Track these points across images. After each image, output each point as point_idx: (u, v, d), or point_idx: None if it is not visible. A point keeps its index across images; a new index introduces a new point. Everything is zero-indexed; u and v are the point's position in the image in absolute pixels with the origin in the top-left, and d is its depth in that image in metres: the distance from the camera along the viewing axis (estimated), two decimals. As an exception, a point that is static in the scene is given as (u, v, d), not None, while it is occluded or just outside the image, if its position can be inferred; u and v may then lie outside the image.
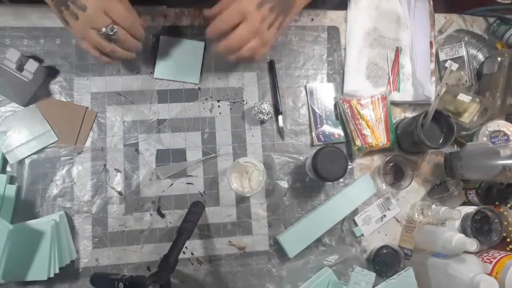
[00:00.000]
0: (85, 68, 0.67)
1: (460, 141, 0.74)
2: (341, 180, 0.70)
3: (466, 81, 0.75)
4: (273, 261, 0.68)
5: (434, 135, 0.68)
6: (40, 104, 0.65)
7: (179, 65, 0.69)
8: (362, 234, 0.70)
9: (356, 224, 0.70)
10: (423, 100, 0.74)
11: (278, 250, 0.68)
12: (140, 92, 0.68)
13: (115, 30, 0.54)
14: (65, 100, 0.66)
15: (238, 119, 0.70)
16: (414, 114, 0.75)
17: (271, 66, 0.72)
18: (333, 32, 0.76)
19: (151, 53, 0.69)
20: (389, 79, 0.75)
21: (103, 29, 0.53)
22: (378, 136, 0.70)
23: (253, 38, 0.56)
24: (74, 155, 0.65)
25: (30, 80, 0.61)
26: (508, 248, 0.66)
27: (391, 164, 0.72)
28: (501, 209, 0.68)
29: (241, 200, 0.68)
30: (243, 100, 0.71)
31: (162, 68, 0.69)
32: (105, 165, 0.66)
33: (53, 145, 0.65)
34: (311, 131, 0.72)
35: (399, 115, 0.76)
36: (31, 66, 0.61)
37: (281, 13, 0.56)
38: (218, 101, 0.70)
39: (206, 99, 0.70)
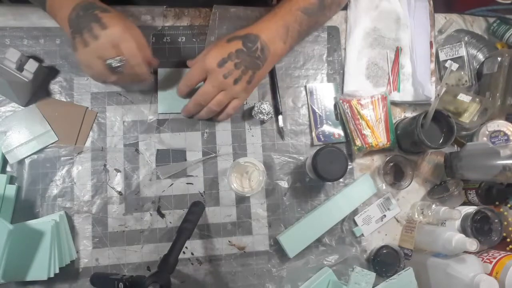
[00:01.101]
0: (85, 68, 0.67)
1: (460, 141, 0.74)
2: (341, 180, 0.70)
3: (466, 81, 0.75)
4: (273, 261, 0.68)
5: (434, 135, 0.68)
6: (40, 104, 0.65)
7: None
8: (362, 234, 0.70)
9: (356, 224, 0.70)
10: (423, 100, 0.74)
11: (278, 250, 0.68)
12: (140, 92, 0.68)
13: (119, 64, 0.55)
14: (65, 100, 0.66)
15: (238, 119, 0.70)
16: (414, 114, 0.75)
17: (271, 66, 0.72)
18: (333, 32, 0.76)
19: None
20: (389, 79, 0.75)
21: (108, 61, 0.55)
22: (378, 136, 0.70)
23: (218, 93, 0.60)
24: (74, 155, 0.65)
25: (30, 80, 0.61)
26: (508, 248, 0.66)
27: (391, 164, 0.72)
28: (501, 209, 0.68)
29: (241, 200, 0.68)
30: (243, 100, 0.71)
31: (166, 102, 0.67)
32: (105, 165, 0.66)
33: (53, 145, 0.65)
34: (311, 131, 0.72)
35: (399, 115, 0.76)
36: (31, 66, 0.61)
37: (248, 69, 0.60)
38: (218, 101, 0.70)
39: (206, 99, 0.70)
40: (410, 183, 0.70)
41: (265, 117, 0.67)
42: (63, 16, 0.56)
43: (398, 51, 0.76)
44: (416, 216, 0.71)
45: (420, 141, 0.64)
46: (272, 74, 0.72)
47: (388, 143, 0.71)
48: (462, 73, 0.75)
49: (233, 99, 0.63)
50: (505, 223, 0.66)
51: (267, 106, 0.67)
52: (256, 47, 0.60)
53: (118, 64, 0.55)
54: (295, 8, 0.63)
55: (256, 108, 0.67)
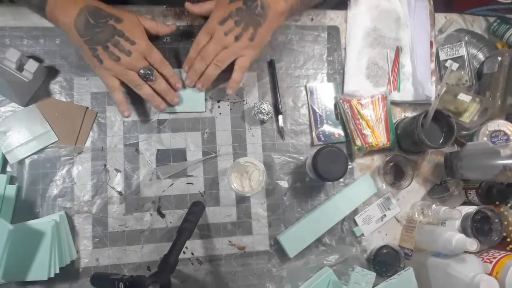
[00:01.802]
0: (85, 68, 0.67)
1: (460, 140, 0.74)
2: (341, 180, 0.70)
3: (466, 80, 0.75)
4: (273, 261, 0.68)
5: (434, 135, 0.68)
6: (40, 104, 0.65)
7: (183, 95, 0.68)
8: (362, 234, 0.70)
9: (356, 224, 0.70)
10: (423, 100, 0.74)
11: (278, 250, 0.68)
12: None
13: (153, 70, 0.61)
14: (65, 100, 0.66)
15: (238, 119, 0.70)
16: (414, 114, 0.75)
17: (271, 65, 0.72)
18: (333, 32, 0.75)
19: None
20: (389, 78, 0.75)
21: (142, 71, 0.60)
22: (378, 136, 0.70)
23: (221, 51, 0.61)
24: (74, 155, 0.65)
25: (30, 80, 0.61)
26: (508, 248, 0.66)
27: (391, 164, 0.72)
28: (501, 209, 0.68)
29: (241, 200, 0.68)
30: (243, 100, 0.71)
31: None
32: (105, 165, 0.66)
33: (53, 145, 0.65)
34: (311, 131, 0.72)
35: (399, 115, 0.76)
36: (31, 66, 0.61)
37: (249, 26, 0.60)
38: (218, 101, 0.70)
39: (206, 99, 0.70)
40: (410, 183, 0.70)
41: (265, 117, 0.67)
42: (66, 20, 0.56)
43: (398, 51, 0.76)
44: (416, 216, 0.71)
45: (420, 141, 0.64)
46: (272, 73, 0.72)
47: (388, 143, 0.71)
48: (462, 72, 0.75)
49: (238, 57, 0.63)
50: (505, 223, 0.65)
51: (267, 106, 0.67)
52: (256, 4, 0.60)
53: (149, 72, 0.60)
54: None
55: (256, 108, 0.67)
